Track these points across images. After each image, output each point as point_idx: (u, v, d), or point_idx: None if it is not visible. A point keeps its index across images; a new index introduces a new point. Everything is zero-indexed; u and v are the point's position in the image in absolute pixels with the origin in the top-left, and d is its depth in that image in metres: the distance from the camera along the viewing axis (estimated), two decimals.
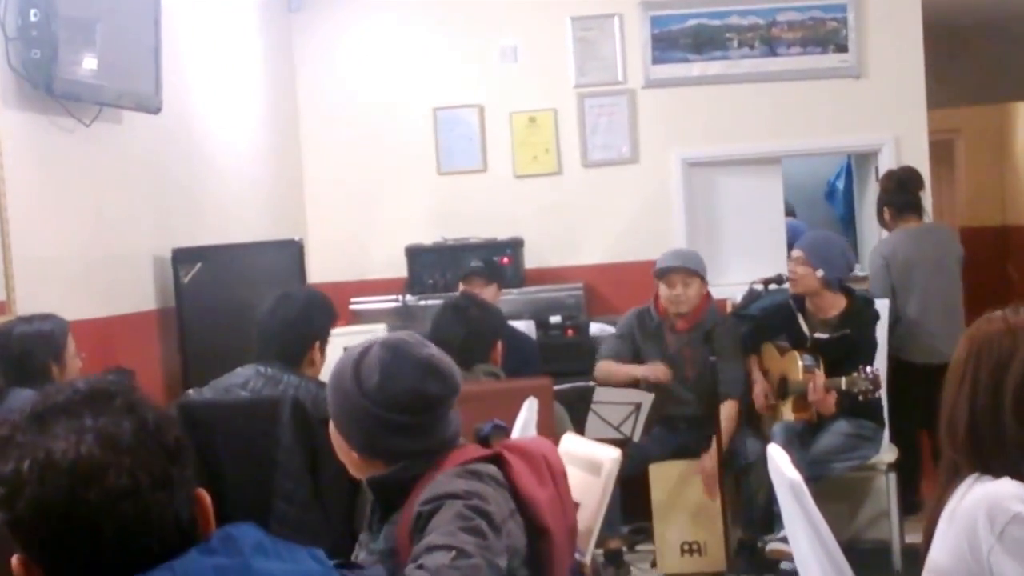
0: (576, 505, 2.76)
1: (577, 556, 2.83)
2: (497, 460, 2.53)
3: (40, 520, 1.49)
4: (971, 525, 2.23)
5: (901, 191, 6.77)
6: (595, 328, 7.11)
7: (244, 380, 4.06)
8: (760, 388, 6.07)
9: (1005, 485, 2.25)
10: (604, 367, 6.22)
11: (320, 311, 4.20)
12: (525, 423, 3.70)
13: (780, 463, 3.08)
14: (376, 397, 2.54)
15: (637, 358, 6.22)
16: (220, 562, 1.53)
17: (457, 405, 2.62)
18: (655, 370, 6.05)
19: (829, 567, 2.87)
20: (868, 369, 5.58)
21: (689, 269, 6.06)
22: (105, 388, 1.60)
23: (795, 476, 2.97)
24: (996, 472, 2.28)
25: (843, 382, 5.61)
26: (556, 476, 2.63)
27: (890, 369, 6.27)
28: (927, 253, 6.63)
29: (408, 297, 7.22)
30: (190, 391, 4.32)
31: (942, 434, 2.41)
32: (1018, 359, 2.31)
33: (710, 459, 5.90)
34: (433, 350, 2.62)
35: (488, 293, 6.08)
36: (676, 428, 6.18)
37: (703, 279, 6.11)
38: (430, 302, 6.77)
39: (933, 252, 6.66)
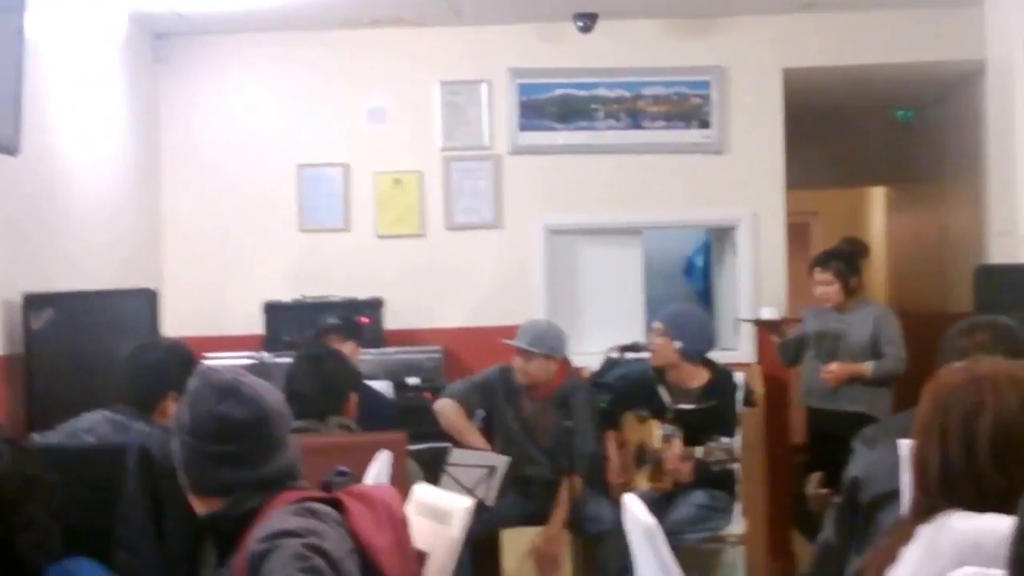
0: (424, 555, 2.73)
1: None
2: (336, 504, 2.48)
3: None
4: (963, 553, 2.23)
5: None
6: None
7: (91, 425, 3.94)
8: (614, 465, 6.08)
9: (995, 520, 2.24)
10: (448, 410, 6.12)
11: (180, 361, 4.10)
12: (377, 475, 3.67)
13: (636, 510, 3.09)
14: (188, 427, 2.49)
15: (488, 413, 6.21)
16: None
17: (300, 447, 2.57)
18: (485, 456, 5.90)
19: None
20: (724, 439, 5.65)
21: (520, 349, 6.08)
22: None
23: (650, 520, 2.98)
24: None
25: (699, 451, 5.66)
26: (397, 523, 2.58)
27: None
28: None
29: (265, 354, 7.10)
30: (34, 435, 4.19)
31: (913, 484, 2.44)
32: (988, 408, 2.34)
33: (544, 537, 5.97)
34: (245, 377, 2.54)
35: (346, 350, 6.02)
36: (531, 493, 6.16)
37: (547, 356, 6.08)
38: (287, 360, 6.66)
39: None
